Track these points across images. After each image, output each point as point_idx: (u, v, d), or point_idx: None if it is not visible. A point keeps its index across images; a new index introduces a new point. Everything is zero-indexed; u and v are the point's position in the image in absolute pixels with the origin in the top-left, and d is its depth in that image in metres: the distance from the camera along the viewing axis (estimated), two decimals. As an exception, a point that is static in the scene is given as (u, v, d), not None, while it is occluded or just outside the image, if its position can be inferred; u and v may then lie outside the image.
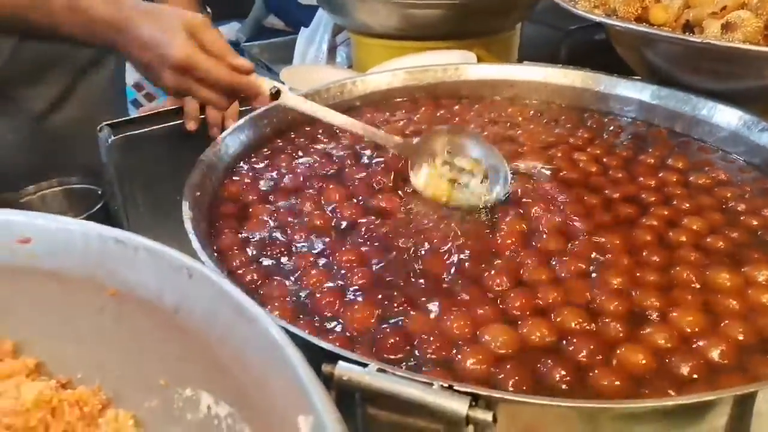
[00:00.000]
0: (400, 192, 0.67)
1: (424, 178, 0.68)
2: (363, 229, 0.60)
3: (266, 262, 0.56)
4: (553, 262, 0.56)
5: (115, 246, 0.43)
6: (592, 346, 0.46)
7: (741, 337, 0.47)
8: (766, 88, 0.71)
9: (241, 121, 0.76)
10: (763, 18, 0.67)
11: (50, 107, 1.10)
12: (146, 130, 0.84)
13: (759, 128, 0.71)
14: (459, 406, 0.34)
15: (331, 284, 0.53)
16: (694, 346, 0.47)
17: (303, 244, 0.58)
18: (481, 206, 0.64)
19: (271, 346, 0.35)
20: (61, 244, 0.44)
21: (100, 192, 0.94)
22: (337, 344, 0.44)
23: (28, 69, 1.04)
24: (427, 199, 0.66)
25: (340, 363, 0.37)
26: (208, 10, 1.20)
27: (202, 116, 0.89)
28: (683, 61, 0.77)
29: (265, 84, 0.69)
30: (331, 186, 0.67)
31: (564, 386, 0.44)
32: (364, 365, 0.37)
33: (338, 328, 0.48)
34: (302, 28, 1.55)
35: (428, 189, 0.66)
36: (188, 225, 0.52)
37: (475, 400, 0.35)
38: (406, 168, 0.69)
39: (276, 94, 0.69)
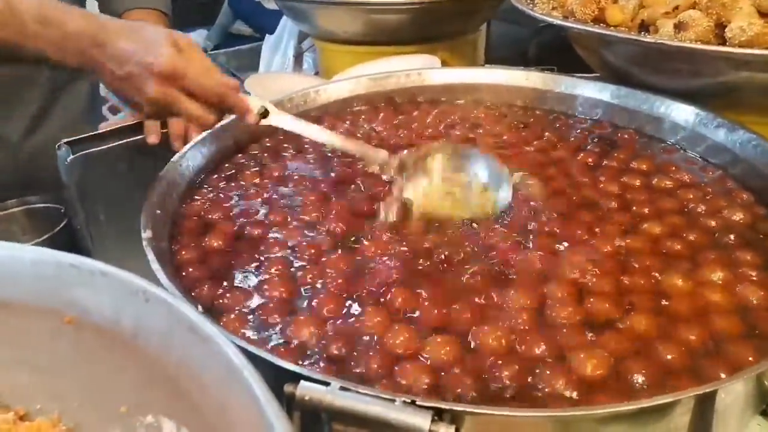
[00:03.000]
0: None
1: (420, 193, 0.65)
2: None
3: (226, 276, 0.56)
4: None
5: (70, 271, 0.42)
6: (544, 350, 0.46)
7: (693, 338, 0.48)
8: (721, 85, 0.73)
9: (203, 134, 0.75)
10: (713, 17, 0.68)
11: (30, 125, 1.07)
12: (107, 146, 0.82)
13: (715, 124, 0.73)
14: (421, 421, 0.34)
15: (293, 297, 0.53)
16: (644, 350, 0.47)
17: (264, 258, 0.58)
18: (483, 217, 0.62)
19: (229, 369, 0.34)
20: (12, 271, 0.43)
21: (62, 210, 0.92)
22: (295, 355, 0.44)
23: (3, 87, 1.02)
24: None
25: (302, 383, 0.37)
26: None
27: (164, 130, 0.88)
28: (640, 61, 0.78)
29: (253, 102, 0.67)
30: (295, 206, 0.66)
31: (512, 392, 0.44)
32: (326, 384, 0.37)
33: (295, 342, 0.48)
34: (267, 35, 1.54)
35: (425, 205, 0.63)
36: (147, 246, 0.51)
37: (439, 414, 0.35)
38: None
39: (264, 114, 0.67)
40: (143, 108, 0.67)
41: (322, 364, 0.45)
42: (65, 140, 0.82)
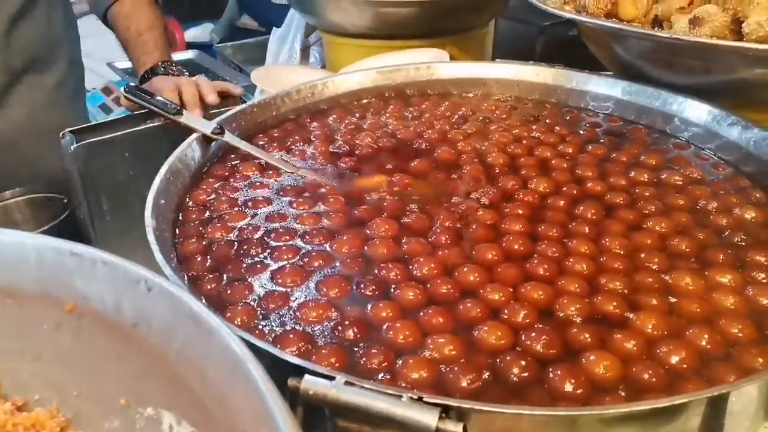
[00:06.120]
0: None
1: None
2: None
3: (231, 268, 0.55)
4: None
5: (71, 259, 0.41)
6: (552, 350, 0.46)
7: (703, 343, 0.47)
8: (736, 83, 0.71)
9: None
10: (729, 13, 0.67)
11: None
12: (111, 135, 0.81)
13: (728, 122, 0.71)
14: (428, 418, 0.33)
15: (298, 291, 0.52)
16: (654, 351, 0.46)
17: (269, 249, 0.57)
18: None
19: (232, 362, 0.33)
20: (15, 258, 0.42)
21: (65, 201, 0.92)
22: (301, 345, 0.43)
23: None
24: None
25: (306, 377, 0.36)
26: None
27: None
28: (653, 57, 0.77)
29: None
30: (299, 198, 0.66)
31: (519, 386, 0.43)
32: (331, 378, 0.36)
33: (298, 328, 0.47)
34: (274, 28, 1.53)
35: None
36: (150, 235, 0.50)
37: (446, 411, 0.34)
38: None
39: (220, 132, 0.71)
40: None
41: (329, 355, 0.45)
42: (69, 129, 0.82)
